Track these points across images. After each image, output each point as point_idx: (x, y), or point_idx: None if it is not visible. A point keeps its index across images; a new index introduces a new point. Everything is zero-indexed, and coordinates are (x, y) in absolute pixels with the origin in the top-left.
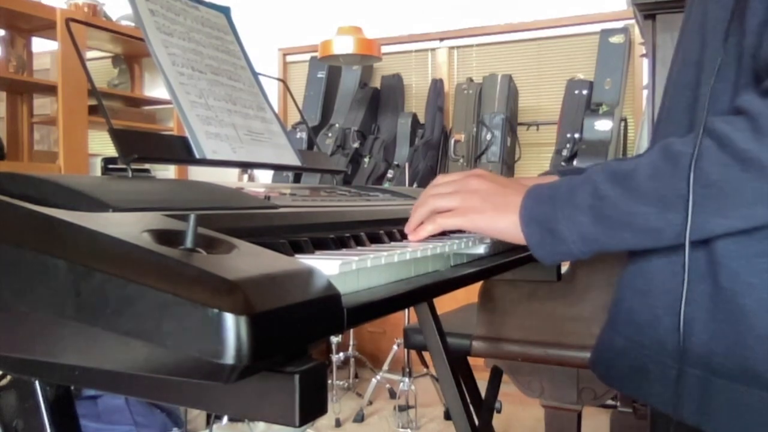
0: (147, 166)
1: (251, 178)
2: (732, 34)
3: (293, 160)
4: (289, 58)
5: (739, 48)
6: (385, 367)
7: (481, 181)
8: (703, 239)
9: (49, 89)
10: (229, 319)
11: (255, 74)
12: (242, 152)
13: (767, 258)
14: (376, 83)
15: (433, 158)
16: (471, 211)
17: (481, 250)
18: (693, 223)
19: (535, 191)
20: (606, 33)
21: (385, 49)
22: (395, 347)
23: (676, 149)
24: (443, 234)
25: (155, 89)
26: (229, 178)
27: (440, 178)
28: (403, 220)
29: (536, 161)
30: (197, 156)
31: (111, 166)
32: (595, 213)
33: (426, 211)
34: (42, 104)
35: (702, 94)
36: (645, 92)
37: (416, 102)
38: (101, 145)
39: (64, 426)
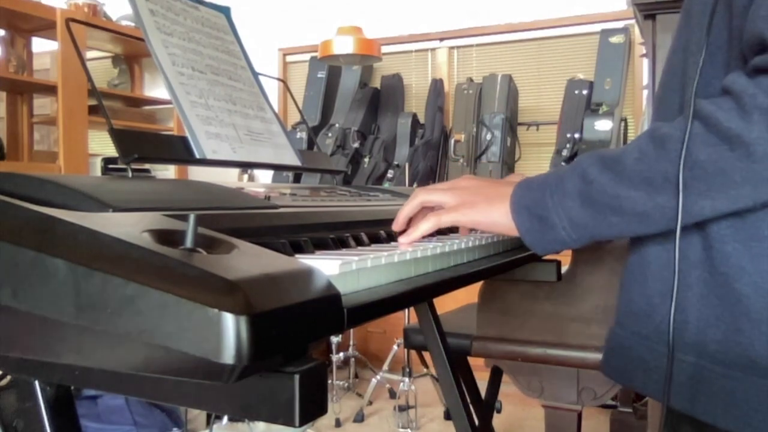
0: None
1: (251, 178)
2: (718, 17)
3: (293, 160)
4: (289, 58)
5: (728, 30)
6: (385, 367)
7: (471, 179)
8: (692, 223)
9: (49, 89)
10: (229, 319)
11: (255, 74)
12: (242, 152)
13: (761, 242)
14: (376, 83)
15: (433, 158)
16: (464, 205)
17: (480, 249)
18: (681, 206)
19: (526, 181)
20: (606, 33)
21: (385, 49)
22: (395, 347)
23: (663, 132)
24: (443, 234)
25: (155, 89)
26: (229, 178)
27: (429, 185)
28: None
29: (536, 161)
30: (197, 156)
31: (111, 166)
32: (584, 198)
33: (416, 203)
34: (42, 104)
35: (690, 78)
36: (645, 92)
37: (416, 102)
38: (101, 145)
39: (64, 426)
